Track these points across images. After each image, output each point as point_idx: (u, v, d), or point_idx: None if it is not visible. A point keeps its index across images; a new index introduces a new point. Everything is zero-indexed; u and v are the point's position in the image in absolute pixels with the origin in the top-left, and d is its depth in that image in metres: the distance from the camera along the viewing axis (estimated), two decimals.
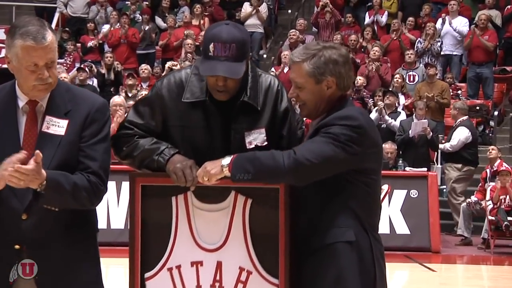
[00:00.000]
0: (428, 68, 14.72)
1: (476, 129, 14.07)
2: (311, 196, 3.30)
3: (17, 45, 3.13)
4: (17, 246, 3.20)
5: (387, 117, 13.39)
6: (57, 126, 3.23)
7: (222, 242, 3.38)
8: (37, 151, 3.04)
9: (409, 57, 15.44)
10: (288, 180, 3.22)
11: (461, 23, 16.23)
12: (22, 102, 3.26)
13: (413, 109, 13.57)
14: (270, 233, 3.33)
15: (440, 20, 16.34)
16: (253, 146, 3.42)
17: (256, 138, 3.44)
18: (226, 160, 3.23)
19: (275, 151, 3.24)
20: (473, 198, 12.11)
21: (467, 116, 13.18)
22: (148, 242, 3.42)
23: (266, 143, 3.44)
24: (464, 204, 12.23)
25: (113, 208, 9.93)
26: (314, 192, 3.28)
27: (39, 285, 3.22)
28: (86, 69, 15.30)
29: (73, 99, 3.29)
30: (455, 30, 16.08)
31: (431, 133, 12.69)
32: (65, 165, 3.19)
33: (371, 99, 14.28)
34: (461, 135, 12.79)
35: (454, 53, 16.31)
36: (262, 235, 3.35)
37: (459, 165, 12.85)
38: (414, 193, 11.30)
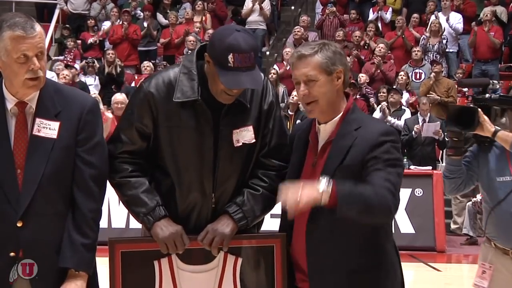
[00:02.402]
0: (434, 65, 14.56)
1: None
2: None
3: (5, 37, 3.06)
4: (12, 254, 3.14)
5: (389, 117, 13.24)
6: (48, 129, 3.16)
7: None
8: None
9: (416, 54, 15.25)
10: (384, 220, 3.40)
11: (456, 20, 16.08)
12: (10, 104, 3.17)
13: (417, 105, 13.44)
14: None
15: (433, 17, 16.18)
16: (240, 144, 3.38)
17: (244, 136, 3.39)
18: (323, 186, 3.05)
19: (370, 188, 3.24)
20: (479, 197, 11.98)
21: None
22: None
23: (254, 140, 3.40)
24: (469, 203, 12.10)
25: (114, 207, 9.82)
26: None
27: None
28: (76, 66, 15.23)
29: (62, 99, 3.23)
30: (450, 26, 15.92)
31: (443, 135, 12.52)
32: (60, 171, 3.14)
33: (373, 97, 14.12)
34: None
35: (450, 50, 16.16)
36: None
37: None
38: (419, 192, 11.21)
